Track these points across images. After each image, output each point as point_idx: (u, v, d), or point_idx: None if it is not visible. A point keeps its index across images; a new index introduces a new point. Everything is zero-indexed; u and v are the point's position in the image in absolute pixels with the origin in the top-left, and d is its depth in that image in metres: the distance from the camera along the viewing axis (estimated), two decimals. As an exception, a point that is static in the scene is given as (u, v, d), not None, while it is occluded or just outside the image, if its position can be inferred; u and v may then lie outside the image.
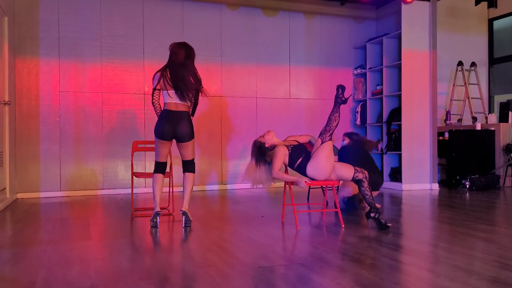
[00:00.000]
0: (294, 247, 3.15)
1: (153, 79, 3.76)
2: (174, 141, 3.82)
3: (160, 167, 3.81)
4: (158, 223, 3.69)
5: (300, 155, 3.64)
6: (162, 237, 3.43)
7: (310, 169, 3.58)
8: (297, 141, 3.80)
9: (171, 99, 3.66)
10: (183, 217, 3.69)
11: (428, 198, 5.39)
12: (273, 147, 3.70)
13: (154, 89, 3.72)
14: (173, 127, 3.65)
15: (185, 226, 3.68)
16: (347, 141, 4.75)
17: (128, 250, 3.03)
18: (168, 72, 3.66)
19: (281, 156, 3.61)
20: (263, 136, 3.76)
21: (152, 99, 3.76)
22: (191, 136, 3.73)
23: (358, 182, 3.57)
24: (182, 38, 6.26)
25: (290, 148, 3.67)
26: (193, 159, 3.85)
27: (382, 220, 3.50)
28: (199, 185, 6.28)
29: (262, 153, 3.70)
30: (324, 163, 3.55)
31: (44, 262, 2.62)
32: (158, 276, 2.34)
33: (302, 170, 3.63)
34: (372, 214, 3.54)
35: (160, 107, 3.79)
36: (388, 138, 6.56)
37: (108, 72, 5.95)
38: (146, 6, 6.13)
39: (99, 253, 2.85)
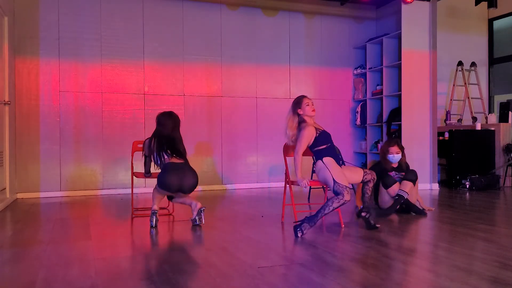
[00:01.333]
0: (294, 247, 3.15)
1: (143, 145, 3.91)
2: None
3: None
4: (156, 222, 3.67)
5: (325, 143, 3.52)
6: (162, 237, 3.43)
7: (321, 172, 3.49)
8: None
9: (167, 157, 3.72)
10: (202, 214, 3.71)
11: (428, 198, 5.39)
12: (302, 119, 3.57)
13: (146, 157, 3.90)
14: (180, 179, 3.64)
15: (198, 224, 3.70)
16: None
17: (128, 250, 3.03)
18: (154, 142, 3.75)
19: (308, 136, 3.48)
20: (306, 106, 3.53)
21: (145, 165, 3.95)
22: (195, 186, 3.78)
23: (365, 182, 3.57)
24: (182, 38, 6.28)
25: (318, 132, 3.54)
26: None
27: (372, 221, 3.51)
28: (199, 185, 6.25)
29: (293, 110, 3.59)
30: (331, 178, 3.47)
31: (44, 262, 2.62)
32: (158, 276, 2.33)
33: (318, 156, 3.51)
34: (363, 214, 3.56)
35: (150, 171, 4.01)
36: (388, 138, 6.55)
37: (108, 72, 5.95)
38: (146, 6, 6.13)
39: (99, 253, 2.85)
